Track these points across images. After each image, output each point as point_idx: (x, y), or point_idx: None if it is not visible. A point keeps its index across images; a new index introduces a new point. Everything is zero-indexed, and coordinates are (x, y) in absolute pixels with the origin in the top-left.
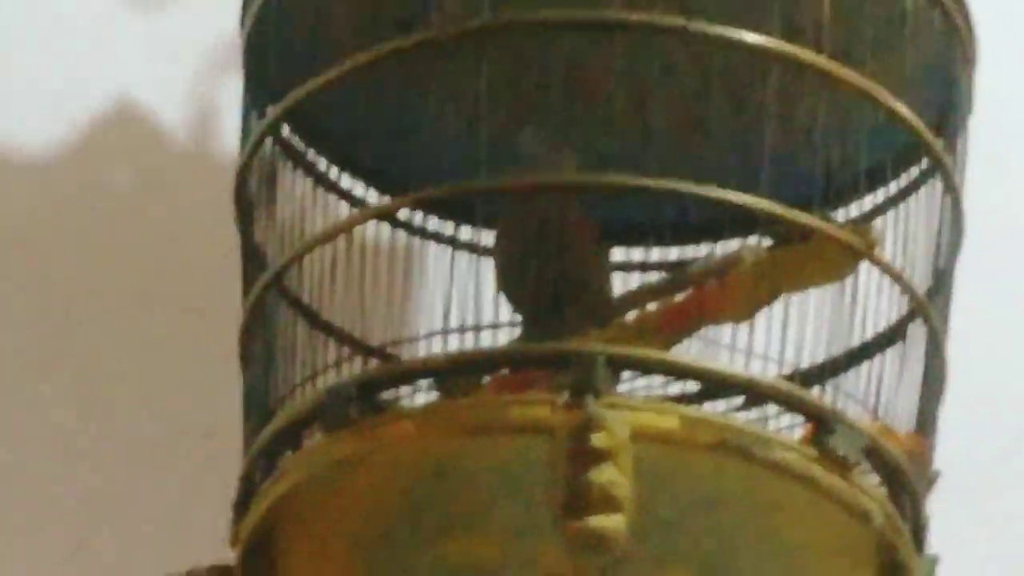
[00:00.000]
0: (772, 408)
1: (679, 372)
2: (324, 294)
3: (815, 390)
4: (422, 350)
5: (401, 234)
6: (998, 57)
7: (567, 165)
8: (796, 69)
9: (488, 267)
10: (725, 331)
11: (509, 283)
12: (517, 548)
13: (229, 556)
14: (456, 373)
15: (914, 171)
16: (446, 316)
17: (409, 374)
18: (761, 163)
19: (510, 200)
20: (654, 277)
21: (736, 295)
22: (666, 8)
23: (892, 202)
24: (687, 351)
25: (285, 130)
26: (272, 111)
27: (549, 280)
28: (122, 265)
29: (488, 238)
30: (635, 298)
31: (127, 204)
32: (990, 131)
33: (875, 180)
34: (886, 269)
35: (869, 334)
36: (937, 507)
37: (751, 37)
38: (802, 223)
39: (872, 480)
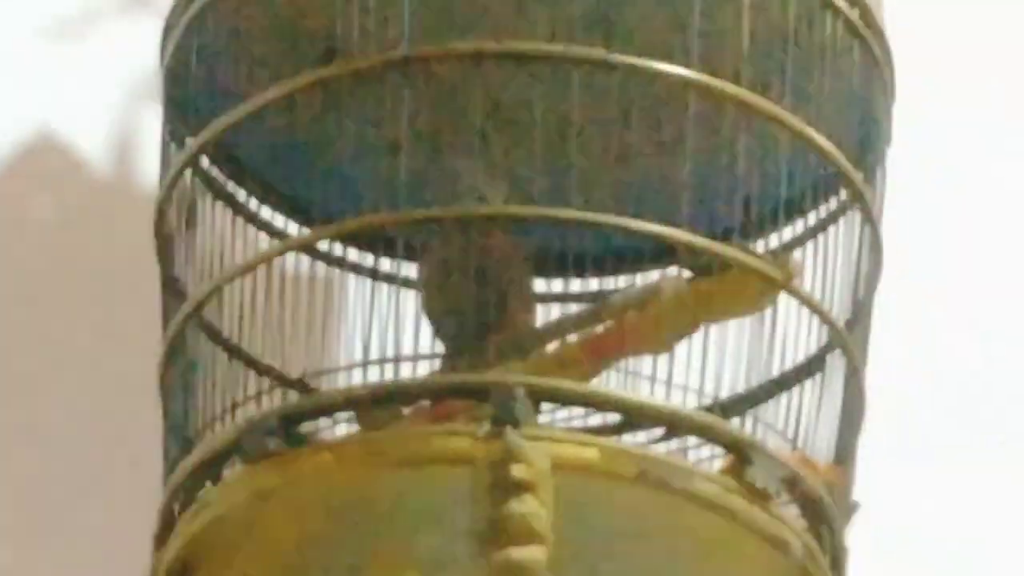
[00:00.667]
0: (692, 439)
1: (599, 403)
2: (244, 326)
3: (735, 421)
4: (342, 382)
5: (321, 266)
6: (917, 91)
7: (494, 196)
8: (716, 100)
9: (409, 298)
10: (645, 362)
11: (432, 313)
12: None
13: None
14: (376, 405)
15: (833, 202)
16: (366, 348)
17: (329, 406)
18: (681, 194)
19: (433, 231)
20: (574, 308)
21: (656, 326)
22: (588, 40)
23: (811, 233)
24: (607, 382)
25: (204, 162)
26: (191, 143)
27: (472, 310)
28: (40, 295)
29: (409, 269)
30: (556, 329)
31: (46, 235)
32: (909, 163)
33: (794, 211)
34: (805, 300)
35: (788, 365)
36: (855, 537)
37: (671, 68)
38: (721, 254)
39: (792, 511)
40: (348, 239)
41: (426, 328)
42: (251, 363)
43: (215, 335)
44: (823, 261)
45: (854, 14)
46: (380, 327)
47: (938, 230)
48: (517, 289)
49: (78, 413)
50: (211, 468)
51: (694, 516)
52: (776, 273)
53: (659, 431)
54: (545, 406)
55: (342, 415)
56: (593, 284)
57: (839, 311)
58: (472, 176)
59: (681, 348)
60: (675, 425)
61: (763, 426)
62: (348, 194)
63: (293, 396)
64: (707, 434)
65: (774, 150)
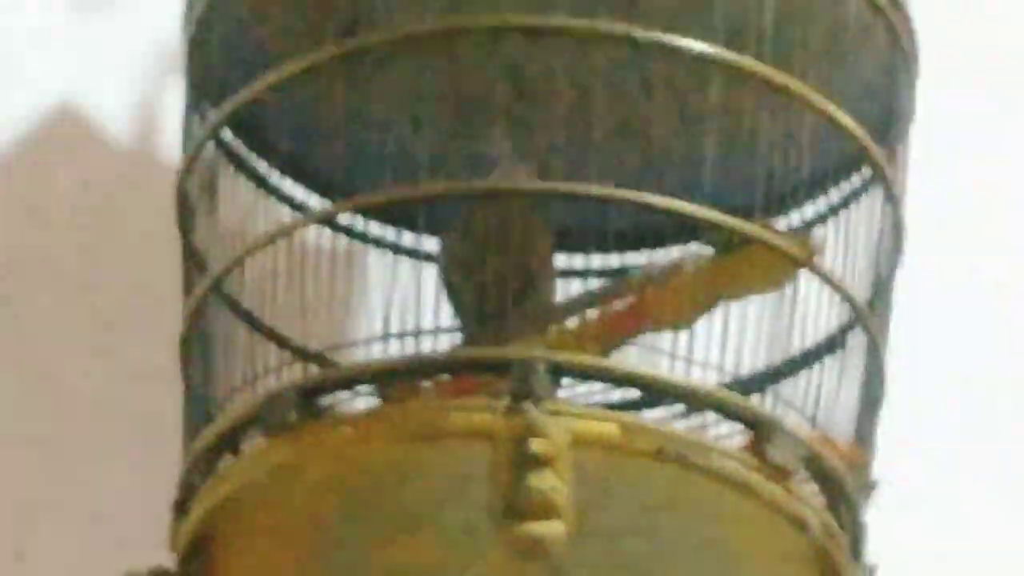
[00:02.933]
0: (712, 416)
1: (619, 379)
2: (265, 299)
3: (754, 398)
4: (362, 355)
5: (343, 239)
6: (940, 69)
7: (517, 172)
8: (739, 77)
9: (429, 273)
10: (665, 338)
11: (453, 288)
12: (457, 553)
13: (169, 559)
14: (396, 378)
15: (855, 180)
16: (387, 321)
17: (349, 379)
18: (703, 171)
19: (455, 206)
20: (596, 284)
21: (677, 302)
22: (611, 15)
23: (833, 211)
24: (628, 358)
25: (227, 134)
26: (214, 115)
27: (493, 285)
28: (64, 266)
29: (430, 244)
30: (576, 305)
31: (69, 207)
32: (930, 141)
33: (816, 189)
34: (826, 278)
35: (809, 343)
36: (875, 516)
37: (694, 45)
38: (742, 231)
39: (810, 489)
40: (370, 213)
41: (446, 303)
42: (272, 336)
43: (236, 307)
44: (845, 239)
45: None
46: (401, 301)
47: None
48: (539, 264)
49: (98, 384)
50: (231, 440)
51: (713, 493)
52: (797, 251)
53: (679, 407)
54: (565, 381)
55: (362, 388)
56: (614, 260)
57: (860, 289)
58: (495, 151)
59: (702, 325)
60: (695, 401)
61: (783, 404)
62: (371, 168)
63: (313, 369)
64: (727, 411)
65: (797, 127)
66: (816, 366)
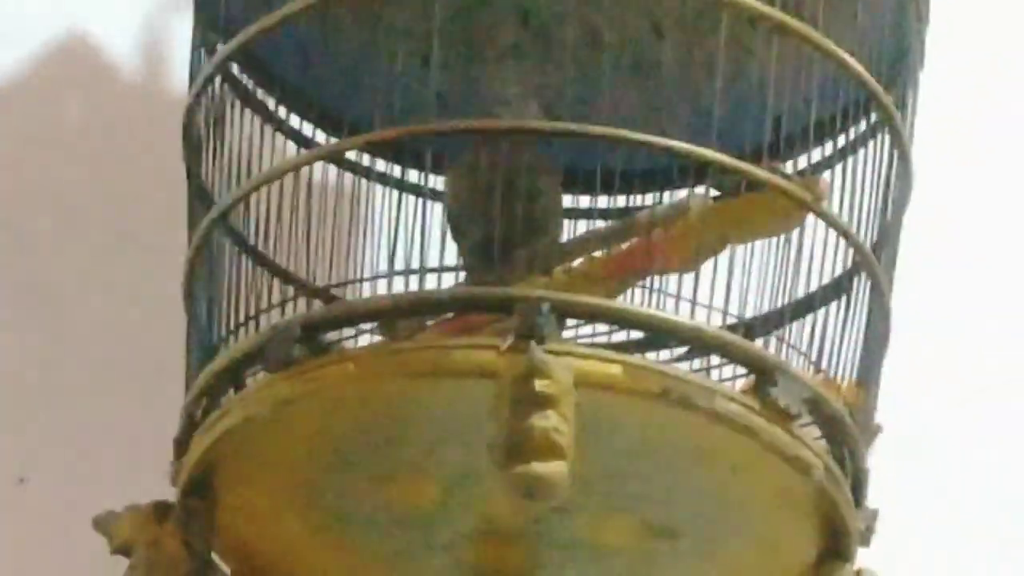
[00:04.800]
0: (716, 358)
1: (623, 320)
2: (270, 234)
3: (759, 341)
4: (367, 292)
5: (348, 176)
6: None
7: (524, 110)
8: (747, 19)
9: (435, 211)
10: (671, 280)
11: (458, 226)
12: (459, 492)
13: (171, 493)
14: (400, 316)
15: (863, 125)
16: (391, 259)
17: (353, 316)
18: (712, 114)
19: (461, 143)
20: (602, 224)
21: (682, 245)
22: None
23: (841, 155)
24: (632, 299)
25: (234, 69)
26: (222, 49)
27: (499, 224)
28: (69, 198)
29: (436, 182)
30: (582, 245)
31: (77, 137)
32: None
33: (824, 133)
34: (832, 222)
35: (814, 287)
36: (878, 461)
37: None
38: (749, 174)
39: (813, 433)
40: (376, 149)
41: (452, 241)
42: (276, 271)
43: (241, 242)
44: (852, 184)
45: None
46: (406, 239)
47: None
48: (545, 204)
49: (104, 316)
50: (234, 375)
51: (716, 435)
52: (804, 194)
53: (682, 350)
54: (569, 322)
55: (366, 325)
56: (621, 201)
57: (866, 234)
58: (502, 89)
59: (707, 267)
60: (699, 343)
61: (787, 347)
62: (378, 105)
63: (317, 305)
64: (731, 353)
65: (806, 70)
66: (821, 310)
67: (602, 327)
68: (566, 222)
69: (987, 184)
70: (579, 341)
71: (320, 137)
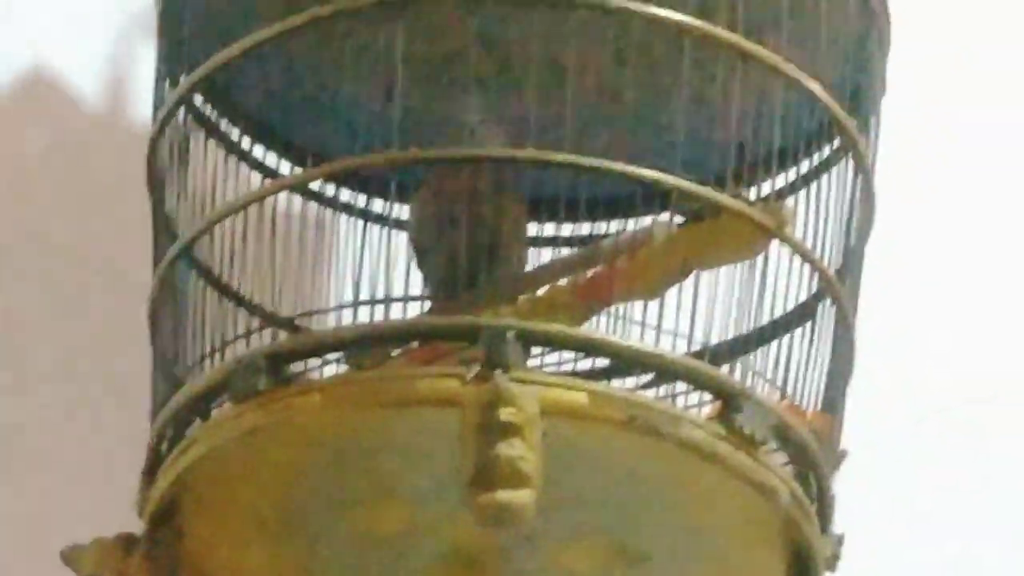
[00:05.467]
0: (681, 385)
1: (589, 348)
2: (235, 265)
3: (724, 368)
4: (332, 322)
5: (313, 206)
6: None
7: (489, 139)
8: (711, 47)
9: (400, 240)
10: (636, 307)
11: (423, 255)
12: (425, 521)
13: (137, 525)
14: (365, 346)
15: (827, 150)
16: (356, 289)
17: (318, 346)
18: (675, 140)
19: (426, 172)
20: (566, 252)
21: (647, 272)
22: None
23: (804, 181)
24: (597, 327)
25: (198, 99)
26: (184, 81)
27: (464, 253)
28: (32, 230)
29: (401, 211)
30: (547, 273)
31: (40, 170)
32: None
33: (788, 159)
34: (796, 247)
35: (778, 313)
36: (843, 486)
37: (667, 14)
38: (713, 200)
39: (779, 459)
40: (341, 179)
41: (417, 270)
42: (241, 302)
43: (206, 273)
44: (816, 209)
45: None
46: (371, 268)
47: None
48: (510, 232)
49: (68, 349)
50: (200, 406)
51: (682, 462)
52: (768, 220)
53: (648, 377)
54: (535, 350)
55: (331, 356)
56: (585, 229)
57: (830, 259)
58: (467, 118)
59: (671, 294)
60: (664, 371)
61: (752, 374)
62: (342, 135)
63: (282, 336)
64: (696, 380)
65: (769, 97)
66: (785, 336)
67: (568, 355)
68: (531, 250)
69: (944, 209)
70: (545, 369)
71: (285, 167)
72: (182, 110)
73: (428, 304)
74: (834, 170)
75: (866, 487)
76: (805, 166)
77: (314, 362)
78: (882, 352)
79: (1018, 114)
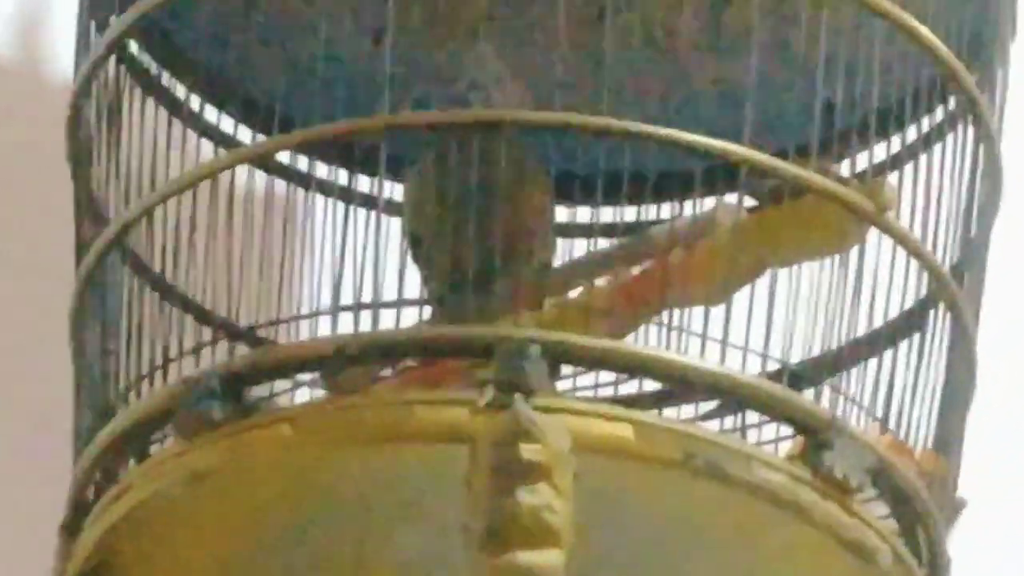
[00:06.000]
0: (753, 416)
1: (635, 367)
2: (180, 259)
3: (808, 393)
4: (305, 333)
5: (281, 184)
6: None
7: (503, 97)
8: None
9: (393, 227)
10: (695, 315)
11: (422, 246)
12: None
13: None
14: (348, 363)
15: (939, 113)
16: (336, 290)
17: (287, 364)
18: (744, 100)
19: (424, 141)
20: (604, 243)
21: (708, 269)
22: None
23: (911, 152)
24: (645, 340)
25: (133, 47)
26: (116, 22)
27: (474, 243)
28: None
29: (393, 190)
30: (580, 270)
31: None
32: None
33: (890, 124)
34: (901, 238)
35: (878, 322)
36: (961, 544)
37: None
38: (794, 177)
39: (879, 510)
40: (316, 150)
41: (413, 266)
42: (189, 307)
43: (143, 270)
44: (926, 188)
45: None
46: (354, 264)
47: None
48: (533, 217)
49: None
50: (136, 441)
51: (754, 512)
52: (865, 202)
53: (711, 404)
54: (566, 369)
55: (304, 376)
56: (629, 213)
57: (945, 253)
58: (475, 71)
59: (741, 297)
60: (732, 396)
61: (845, 400)
62: (317, 93)
63: (242, 351)
64: (773, 409)
65: (864, 44)
66: (887, 352)
67: (607, 376)
68: (560, 241)
69: None
70: (578, 394)
71: (244, 135)
72: (112, 60)
73: (428, 310)
74: (949, 138)
75: (990, 544)
76: (912, 133)
77: (282, 384)
78: (1012, 371)
79: None
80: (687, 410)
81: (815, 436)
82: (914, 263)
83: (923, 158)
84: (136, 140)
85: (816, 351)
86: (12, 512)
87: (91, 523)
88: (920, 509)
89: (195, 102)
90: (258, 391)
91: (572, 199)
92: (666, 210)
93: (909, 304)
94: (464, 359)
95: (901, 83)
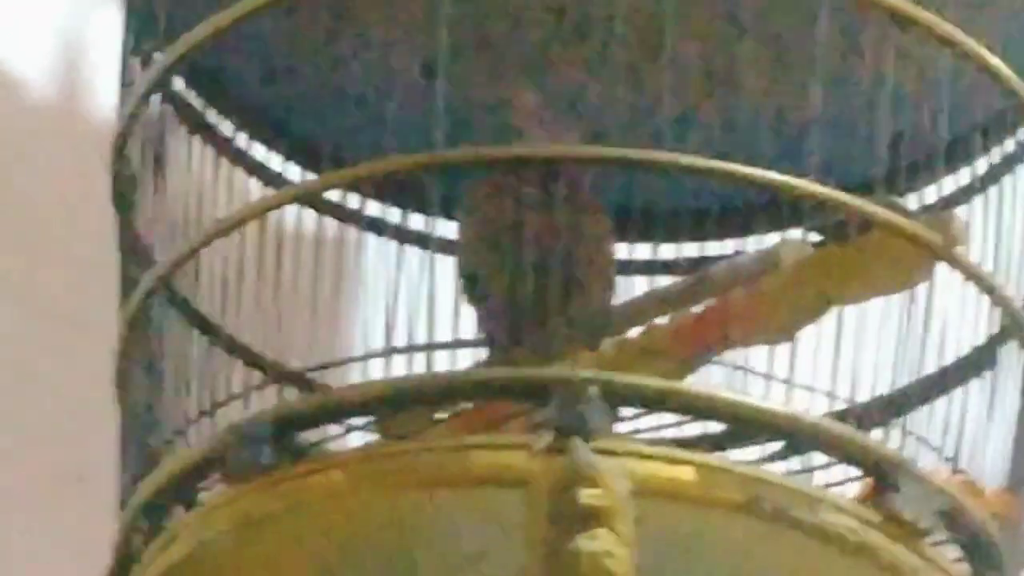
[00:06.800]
0: (820, 457)
1: (696, 408)
2: (228, 302)
3: (876, 433)
4: (357, 376)
5: (331, 223)
6: None
7: (560, 133)
8: (858, 8)
9: (446, 266)
10: (759, 354)
11: (477, 286)
12: None
13: None
14: (402, 407)
15: (1010, 144)
16: (389, 331)
17: (339, 408)
18: (807, 134)
19: (479, 178)
20: (665, 281)
21: (773, 307)
22: None
23: (981, 185)
24: (708, 380)
25: (178, 84)
26: (160, 59)
27: (531, 283)
28: None
29: (446, 229)
30: (640, 308)
31: None
32: None
33: (959, 156)
34: (972, 273)
35: (948, 360)
36: None
37: None
38: (861, 211)
39: (950, 553)
40: (367, 188)
41: (468, 306)
42: (237, 349)
43: (191, 313)
44: (997, 222)
45: None
46: (408, 304)
47: None
48: (591, 255)
49: (16, 409)
50: (184, 488)
51: (821, 556)
52: (933, 237)
53: (776, 445)
54: (625, 411)
55: (357, 420)
56: (690, 250)
57: (1017, 288)
58: (531, 107)
59: (806, 336)
60: (797, 437)
61: (914, 440)
62: (367, 130)
63: (292, 394)
64: (840, 450)
65: (933, 74)
66: (958, 391)
67: (669, 417)
68: (619, 278)
69: None
70: (638, 436)
71: (293, 172)
72: (157, 98)
73: (484, 352)
74: (1020, 169)
75: None
76: (982, 165)
77: (334, 429)
78: None
79: None
80: (752, 452)
81: (884, 478)
82: (984, 299)
83: (994, 191)
84: (182, 179)
85: (884, 391)
86: (63, 553)
87: (140, 572)
88: (992, 552)
89: (242, 139)
90: (309, 436)
91: (631, 236)
92: (728, 246)
93: (979, 341)
94: (520, 402)
95: (971, 114)
